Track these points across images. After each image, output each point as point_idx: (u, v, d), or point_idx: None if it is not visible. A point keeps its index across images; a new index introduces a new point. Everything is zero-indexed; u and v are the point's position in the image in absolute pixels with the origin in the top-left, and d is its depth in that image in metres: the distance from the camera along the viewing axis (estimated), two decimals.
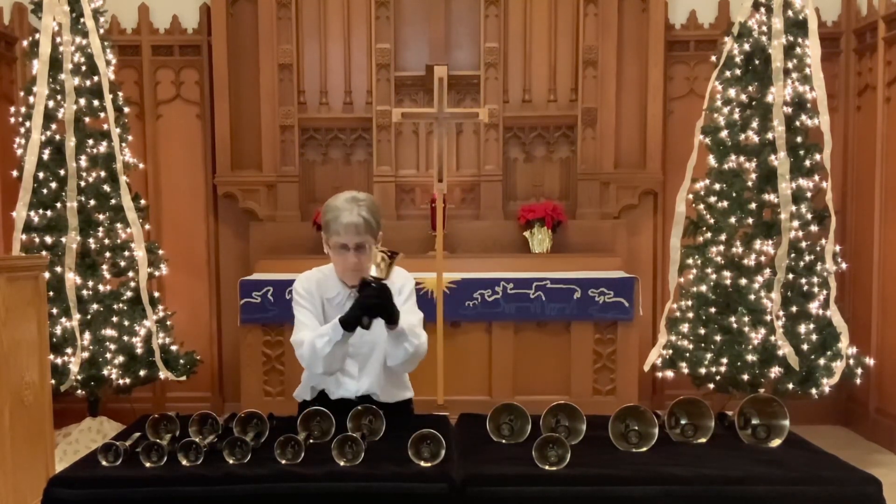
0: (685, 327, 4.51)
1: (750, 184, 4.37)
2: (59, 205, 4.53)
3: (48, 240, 4.53)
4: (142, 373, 4.60)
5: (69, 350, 4.42)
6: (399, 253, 2.41)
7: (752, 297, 4.30)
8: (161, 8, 5.42)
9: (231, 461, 2.08)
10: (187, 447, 2.09)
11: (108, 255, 4.64)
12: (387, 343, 2.56)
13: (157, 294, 4.88)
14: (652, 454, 2.18)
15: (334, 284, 2.66)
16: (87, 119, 4.61)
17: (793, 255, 4.29)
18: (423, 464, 2.07)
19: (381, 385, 2.66)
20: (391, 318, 2.43)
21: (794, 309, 4.31)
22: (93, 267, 4.60)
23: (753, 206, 4.39)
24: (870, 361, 4.50)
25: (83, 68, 4.59)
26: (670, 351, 4.58)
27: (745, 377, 4.26)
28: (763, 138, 4.37)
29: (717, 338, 4.35)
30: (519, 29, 5.37)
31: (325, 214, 2.58)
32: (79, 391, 4.56)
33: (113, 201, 4.63)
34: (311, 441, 2.23)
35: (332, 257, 2.61)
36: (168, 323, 4.79)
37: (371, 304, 2.39)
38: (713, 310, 4.45)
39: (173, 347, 4.77)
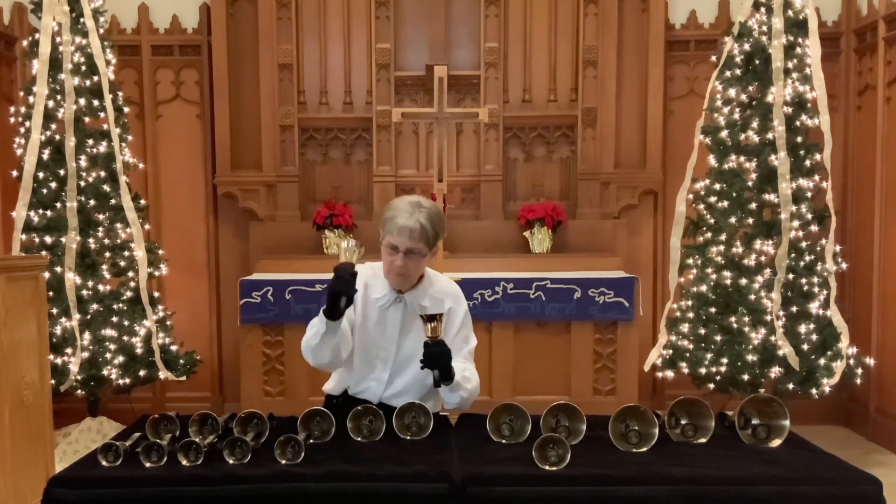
0: (685, 327, 4.51)
1: (750, 184, 4.37)
2: (58, 205, 4.53)
3: (48, 240, 4.52)
4: (142, 373, 4.59)
5: (69, 350, 4.42)
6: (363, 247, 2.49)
7: (753, 297, 4.30)
8: (161, 8, 5.42)
9: (231, 461, 2.08)
10: (187, 447, 2.09)
11: (107, 255, 4.63)
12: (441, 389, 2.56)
13: (156, 294, 4.88)
14: (652, 454, 2.18)
15: (382, 285, 2.65)
16: (86, 119, 4.60)
17: (793, 255, 4.29)
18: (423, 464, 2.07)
19: (414, 398, 2.55)
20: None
21: (794, 309, 4.31)
22: (93, 267, 4.59)
23: (753, 206, 4.38)
24: (870, 361, 4.50)
25: (83, 68, 4.59)
26: (670, 351, 4.58)
27: (746, 377, 4.26)
28: (763, 138, 4.36)
29: (717, 338, 4.34)
30: (519, 29, 5.37)
31: (385, 212, 2.60)
32: (79, 391, 4.56)
33: (113, 201, 4.63)
34: (311, 441, 2.23)
35: (382, 256, 2.62)
36: (168, 323, 4.79)
37: (339, 289, 2.41)
38: (713, 310, 4.44)
39: (173, 347, 4.77)
